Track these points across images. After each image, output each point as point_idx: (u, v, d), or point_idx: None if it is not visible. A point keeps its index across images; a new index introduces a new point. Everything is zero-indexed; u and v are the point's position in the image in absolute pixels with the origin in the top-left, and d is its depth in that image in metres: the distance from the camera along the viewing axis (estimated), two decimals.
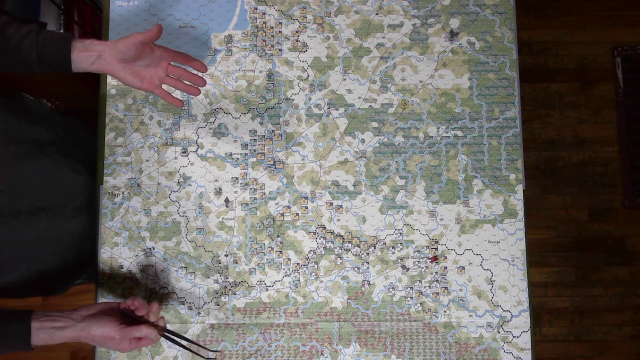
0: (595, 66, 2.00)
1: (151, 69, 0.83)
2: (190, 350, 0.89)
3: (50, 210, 0.85)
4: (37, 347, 0.76)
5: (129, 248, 0.96)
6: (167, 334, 0.84)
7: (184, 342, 0.87)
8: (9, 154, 0.79)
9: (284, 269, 0.96)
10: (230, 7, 1.02)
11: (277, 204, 0.97)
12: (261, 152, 0.99)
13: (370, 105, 1.00)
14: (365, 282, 0.96)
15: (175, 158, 0.98)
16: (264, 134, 0.99)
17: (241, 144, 0.99)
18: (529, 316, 0.95)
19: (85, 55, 0.79)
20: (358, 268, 0.96)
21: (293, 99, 1.00)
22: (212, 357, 0.93)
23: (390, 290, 0.96)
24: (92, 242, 0.97)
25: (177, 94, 0.99)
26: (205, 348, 0.90)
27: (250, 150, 0.99)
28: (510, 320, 0.95)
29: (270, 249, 0.97)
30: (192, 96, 0.99)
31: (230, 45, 1.01)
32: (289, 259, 0.96)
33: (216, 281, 0.96)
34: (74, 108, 1.75)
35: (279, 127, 0.99)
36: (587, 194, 1.94)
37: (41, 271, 0.89)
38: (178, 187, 0.98)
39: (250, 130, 0.99)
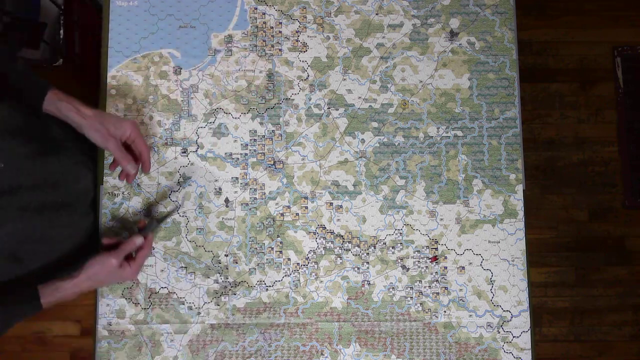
0: (595, 66, 2.00)
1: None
2: (168, 217, 0.95)
3: (70, 207, 0.87)
4: (46, 303, 0.81)
5: None
6: (146, 229, 0.91)
7: (160, 220, 0.94)
8: (33, 150, 0.80)
9: (284, 269, 0.96)
10: (230, 7, 1.02)
11: (277, 204, 0.97)
12: (261, 152, 0.99)
13: (370, 105, 1.00)
14: (365, 282, 0.96)
15: (175, 158, 0.98)
16: (264, 134, 0.99)
17: (241, 144, 0.99)
18: (529, 316, 0.95)
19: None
20: (358, 268, 0.96)
21: (293, 99, 1.00)
22: (179, 206, 0.97)
23: (390, 290, 0.96)
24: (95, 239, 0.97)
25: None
26: (169, 213, 0.96)
27: (250, 150, 0.99)
28: (510, 320, 0.95)
29: (270, 249, 0.97)
30: (192, 96, 1.00)
31: (230, 45, 1.01)
32: (289, 259, 0.96)
33: (216, 281, 0.96)
34: None
35: (279, 127, 0.99)
36: (587, 194, 1.94)
37: (57, 268, 0.89)
38: (178, 187, 0.98)
39: (250, 130, 0.99)
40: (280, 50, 1.01)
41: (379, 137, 0.99)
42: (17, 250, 0.79)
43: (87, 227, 0.94)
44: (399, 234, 0.97)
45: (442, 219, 0.97)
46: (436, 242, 0.97)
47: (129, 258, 0.88)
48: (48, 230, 0.83)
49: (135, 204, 0.97)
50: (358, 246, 0.97)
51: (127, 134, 0.87)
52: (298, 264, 0.96)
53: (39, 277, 0.87)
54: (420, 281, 0.96)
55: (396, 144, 0.99)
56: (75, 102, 0.85)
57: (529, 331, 0.95)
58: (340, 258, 0.96)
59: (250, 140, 0.99)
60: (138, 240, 0.87)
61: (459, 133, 0.99)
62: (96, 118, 0.85)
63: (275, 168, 0.98)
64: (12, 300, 0.78)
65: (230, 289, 0.96)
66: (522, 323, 0.95)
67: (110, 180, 0.97)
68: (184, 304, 0.95)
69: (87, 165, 0.93)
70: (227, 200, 0.98)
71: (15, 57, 0.87)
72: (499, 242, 0.97)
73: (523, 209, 0.98)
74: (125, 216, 0.96)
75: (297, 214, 0.97)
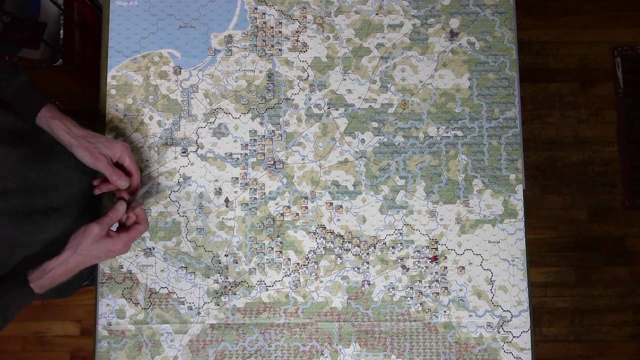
0: (595, 66, 2.00)
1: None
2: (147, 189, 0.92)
3: (59, 211, 0.86)
4: (37, 286, 0.78)
5: None
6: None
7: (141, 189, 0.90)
8: (22, 154, 0.80)
9: (284, 269, 0.96)
10: (230, 7, 1.02)
11: (277, 204, 0.97)
12: (261, 152, 0.99)
13: (370, 105, 1.00)
14: (365, 282, 0.96)
15: (175, 158, 0.98)
16: (264, 134, 0.99)
17: (241, 144, 0.99)
18: (529, 316, 0.95)
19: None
20: (358, 268, 0.96)
21: (293, 99, 1.00)
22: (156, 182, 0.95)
23: (390, 290, 0.96)
24: None
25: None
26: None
27: (250, 150, 0.99)
28: (510, 320, 0.95)
29: (270, 249, 0.97)
30: (192, 96, 1.00)
31: (230, 45, 1.01)
32: (289, 259, 0.96)
33: (216, 281, 0.96)
34: (74, 108, 1.75)
35: (279, 127, 0.99)
36: (587, 194, 1.94)
37: None
38: (178, 187, 0.98)
39: (250, 130, 0.99)
40: (280, 50, 1.01)
41: (379, 137, 0.99)
42: (6, 256, 0.79)
43: None
44: (399, 234, 0.97)
45: (442, 219, 0.97)
46: (436, 242, 0.97)
47: (121, 230, 0.84)
48: (38, 235, 0.82)
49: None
50: (358, 246, 0.97)
51: (117, 155, 0.85)
52: (298, 264, 0.96)
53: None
54: (420, 281, 0.96)
55: (396, 144, 0.99)
56: (68, 122, 0.84)
57: (529, 331, 0.95)
58: (340, 258, 0.96)
59: (250, 140, 0.99)
60: (120, 207, 0.84)
61: (459, 133, 0.99)
62: (87, 138, 0.84)
63: (275, 168, 0.98)
64: (1, 288, 0.77)
65: (230, 289, 0.96)
66: (522, 323, 0.95)
67: None
68: (184, 304, 0.95)
69: (80, 169, 0.91)
70: (227, 200, 0.98)
71: (18, 69, 0.86)
72: (499, 242, 0.97)
73: (523, 209, 0.98)
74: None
75: (297, 214, 0.97)
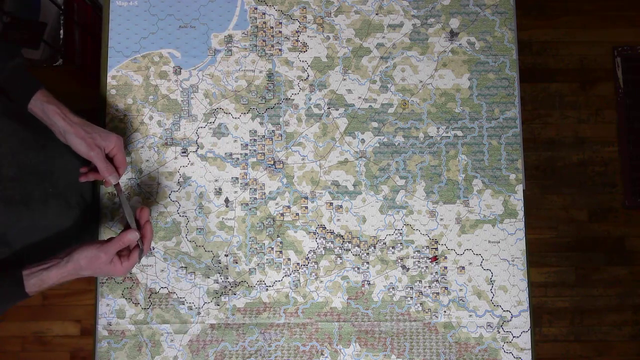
0: (595, 66, 2.00)
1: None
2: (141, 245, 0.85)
3: (59, 197, 0.86)
4: (32, 293, 0.77)
5: None
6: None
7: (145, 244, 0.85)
8: (19, 141, 0.80)
9: (284, 269, 0.96)
10: (230, 7, 1.02)
11: (277, 204, 0.97)
12: (261, 152, 0.99)
13: (370, 105, 1.00)
14: (365, 282, 0.96)
15: (175, 158, 0.98)
16: (264, 134, 0.99)
17: (241, 144, 0.99)
18: (529, 316, 0.95)
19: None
20: (358, 268, 0.96)
21: (293, 99, 1.00)
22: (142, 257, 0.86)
23: (390, 290, 0.96)
24: (93, 236, 0.96)
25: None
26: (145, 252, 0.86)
27: (250, 150, 0.99)
28: (510, 320, 0.95)
29: (270, 249, 0.97)
30: (192, 96, 1.00)
31: (230, 45, 1.01)
32: (289, 259, 0.96)
33: (216, 281, 0.96)
34: (74, 108, 1.75)
35: (279, 127, 0.99)
36: (587, 194, 1.94)
37: (49, 253, 0.88)
38: (178, 187, 0.98)
39: (250, 130, 0.99)
40: (280, 50, 1.01)
41: (379, 137, 0.99)
42: (7, 238, 0.79)
43: (80, 220, 0.93)
44: (399, 234, 0.97)
45: (442, 219, 0.97)
46: (436, 242, 0.97)
47: (122, 253, 0.82)
48: (38, 220, 0.82)
49: (135, 203, 0.97)
50: (358, 246, 0.97)
51: (111, 147, 0.86)
52: (298, 264, 0.96)
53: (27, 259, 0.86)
54: (420, 281, 0.96)
55: (396, 144, 0.99)
56: (64, 108, 0.84)
57: (529, 331, 0.95)
58: (340, 258, 0.96)
59: (250, 140, 0.99)
60: (132, 235, 0.82)
61: (459, 133, 0.99)
62: (83, 126, 0.84)
63: (275, 168, 0.98)
64: None
65: (230, 289, 0.96)
66: (522, 323, 0.95)
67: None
68: (184, 304, 0.95)
69: (78, 156, 0.90)
70: (227, 200, 0.98)
71: (14, 53, 0.85)
72: (499, 242, 0.97)
73: (523, 209, 0.98)
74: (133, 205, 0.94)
75: (297, 214, 0.97)
